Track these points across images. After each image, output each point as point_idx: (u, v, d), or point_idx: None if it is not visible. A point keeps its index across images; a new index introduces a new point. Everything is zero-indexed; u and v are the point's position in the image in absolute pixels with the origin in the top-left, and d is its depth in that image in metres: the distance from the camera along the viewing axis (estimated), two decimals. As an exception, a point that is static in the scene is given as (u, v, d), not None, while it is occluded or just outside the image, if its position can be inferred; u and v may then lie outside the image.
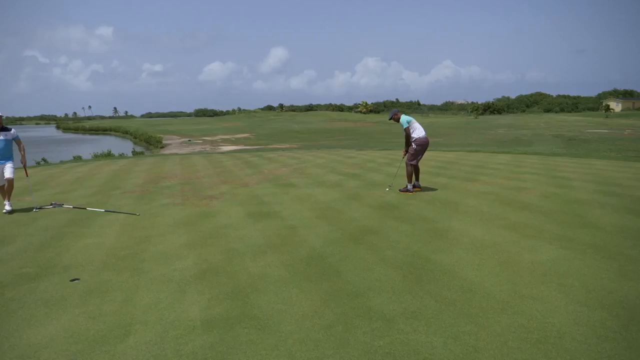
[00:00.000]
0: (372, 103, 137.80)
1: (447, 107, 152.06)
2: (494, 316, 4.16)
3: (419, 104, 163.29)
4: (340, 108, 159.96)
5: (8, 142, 9.42)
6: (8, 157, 9.51)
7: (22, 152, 9.71)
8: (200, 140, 51.65)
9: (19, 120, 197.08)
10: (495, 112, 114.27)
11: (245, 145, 41.87)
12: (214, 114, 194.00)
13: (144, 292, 4.98)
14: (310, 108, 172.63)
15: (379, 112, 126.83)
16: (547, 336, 3.78)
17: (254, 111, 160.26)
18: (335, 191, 10.59)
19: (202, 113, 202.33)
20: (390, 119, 10.35)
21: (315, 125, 75.45)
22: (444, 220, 7.54)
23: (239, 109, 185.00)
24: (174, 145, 46.68)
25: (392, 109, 12.19)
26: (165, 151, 39.22)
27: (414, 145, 9.88)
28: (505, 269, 5.31)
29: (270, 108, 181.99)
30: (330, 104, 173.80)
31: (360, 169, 14.57)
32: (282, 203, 9.44)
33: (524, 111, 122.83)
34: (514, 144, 31.36)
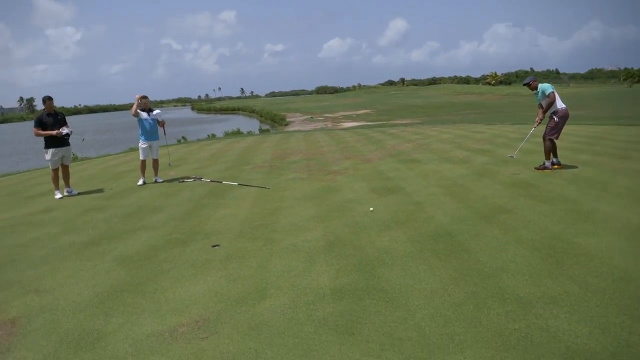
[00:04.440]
0: (502, 74, 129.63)
1: (593, 75, 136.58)
2: (650, 307, 3.73)
3: (557, 72, 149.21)
4: (466, 80, 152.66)
5: (155, 122, 10.46)
6: (156, 136, 10.58)
7: (163, 128, 10.78)
8: (321, 117, 52.80)
9: (159, 103, 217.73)
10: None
11: (366, 121, 41.94)
12: (334, 90, 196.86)
13: (277, 260, 5.28)
14: (433, 81, 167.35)
15: (509, 84, 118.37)
16: None
17: (374, 87, 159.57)
18: (463, 167, 10.19)
19: (322, 90, 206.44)
20: (525, 84, 9.55)
21: (438, 99, 73.07)
22: (590, 202, 6.86)
23: (359, 85, 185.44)
24: (297, 122, 48.32)
25: (525, 79, 11.05)
26: (289, 128, 40.76)
27: (555, 118, 9.04)
28: (663, 256, 4.72)
29: (390, 83, 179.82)
30: (455, 76, 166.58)
31: (489, 145, 13.83)
32: (407, 179, 9.33)
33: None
34: (671, 116, 27.47)
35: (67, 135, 9.58)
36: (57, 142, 9.55)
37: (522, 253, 5.02)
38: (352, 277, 4.69)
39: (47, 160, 9.70)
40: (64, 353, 3.62)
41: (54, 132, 9.36)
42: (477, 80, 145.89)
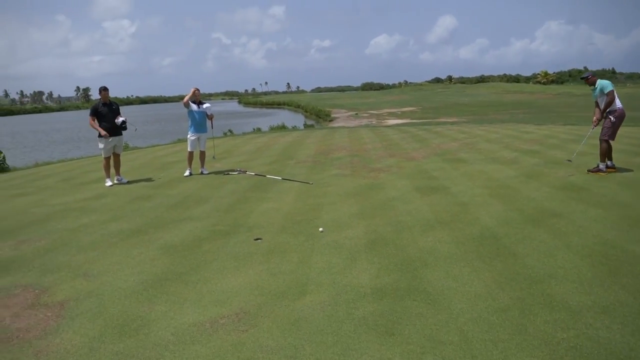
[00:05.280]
0: (553, 72, 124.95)
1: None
2: None
3: (613, 71, 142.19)
4: (516, 79, 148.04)
5: (204, 114, 10.66)
6: (205, 129, 10.79)
7: (211, 121, 10.96)
8: (366, 113, 52.51)
9: (207, 96, 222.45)
10: None
11: (411, 118, 41.39)
12: (380, 87, 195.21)
13: (318, 256, 5.27)
14: (481, 79, 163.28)
15: (562, 83, 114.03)
16: None
17: (421, 84, 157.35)
18: (511, 168, 9.88)
19: (368, 87, 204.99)
20: (583, 78, 9.16)
21: (486, 98, 71.26)
22: (646, 207, 6.51)
23: (405, 82, 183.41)
24: (342, 118, 48.21)
25: (578, 79, 10.68)
26: (334, 124, 40.72)
27: (611, 118, 8.61)
28: None
29: (437, 80, 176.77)
30: (505, 74, 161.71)
31: (539, 146, 13.35)
32: (452, 178, 9.13)
33: None
34: None
35: (123, 123, 9.94)
36: (111, 131, 9.91)
37: (571, 259, 4.82)
38: (393, 276, 4.63)
39: (100, 149, 10.07)
40: (109, 337, 3.74)
41: (102, 133, 9.77)
42: (527, 79, 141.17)
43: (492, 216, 6.44)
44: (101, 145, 9.95)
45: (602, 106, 8.80)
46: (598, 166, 8.84)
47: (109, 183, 10.12)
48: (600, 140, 8.77)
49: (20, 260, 5.60)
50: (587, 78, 9.05)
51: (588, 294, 4.04)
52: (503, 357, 3.22)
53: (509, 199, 7.30)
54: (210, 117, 10.82)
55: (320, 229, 6.14)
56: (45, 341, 3.74)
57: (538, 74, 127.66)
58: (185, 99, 10.54)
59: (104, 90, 9.98)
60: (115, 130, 9.97)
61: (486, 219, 6.31)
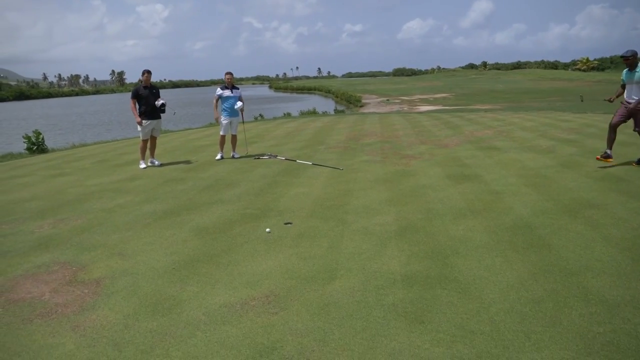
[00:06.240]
0: (594, 59, 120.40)
1: None
2: None
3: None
4: (554, 65, 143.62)
5: (236, 99, 10.70)
6: (237, 113, 10.84)
7: (241, 112, 10.94)
8: (397, 99, 51.92)
9: (238, 81, 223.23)
10: None
11: (444, 105, 40.72)
12: (412, 73, 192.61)
13: (348, 242, 5.26)
14: (517, 66, 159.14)
15: (603, 70, 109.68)
16: None
17: (454, 70, 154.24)
18: (547, 157, 9.61)
19: (400, 72, 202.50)
20: (623, 56, 8.14)
21: (522, 85, 69.45)
22: (690, 200, 6.24)
23: (438, 68, 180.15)
24: (373, 104, 47.83)
25: (620, 65, 9.50)
26: (364, 110, 40.44)
27: None
28: None
29: (471, 66, 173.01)
30: (542, 60, 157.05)
31: (577, 135, 12.93)
32: (485, 167, 8.95)
33: None
34: None
35: (163, 105, 10.12)
36: (150, 114, 10.08)
37: (609, 252, 4.67)
38: (424, 264, 4.58)
39: (139, 131, 10.25)
40: (143, 315, 3.84)
41: (138, 120, 9.97)
42: (566, 66, 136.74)
43: (526, 206, 6.29)
44: (140, 128, 10.12)
45: (633, 95, 8.04)
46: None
47: (142, 165, 10.32)
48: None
49: (59, 238, 5.79)
50: (627, 57, 8.09)
51: (626, 288, 3.91)
52: (535, 349, 3.16)
53: (544, 189, 7.12)
54: (241, 109, 10.80)
55: (267, 230, 5.73)
56: (82, 317, 3.86)
57: (578, 60, 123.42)
58: (214, 106, 10.79)
59: (147, 72, 10.13)
60: (154, 113, 10.14)
61: (520, 209, 6.17)
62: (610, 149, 8.39)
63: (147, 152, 10.49)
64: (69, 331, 3.64)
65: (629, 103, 8.14)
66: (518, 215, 5.90)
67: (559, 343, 3.21)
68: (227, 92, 10.61)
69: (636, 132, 8.30)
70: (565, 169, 8.39)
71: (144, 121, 10.00)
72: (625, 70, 8.36)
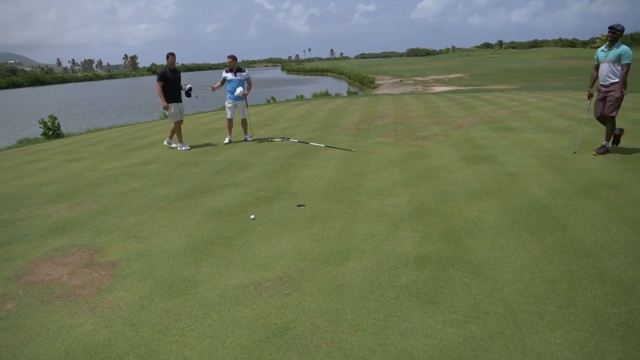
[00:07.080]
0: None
1: None
2: None
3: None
4: (572, 43, 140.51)
5: (242, 82, 10.62)
6: (241, 97, 10.74)
7: (247, 91, 10.81)
8: (411, 80, 51.35)
9: (251, 64, 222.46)
10: None
11: (459, 85, 40.18)
12: (426, 53, 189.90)
13: (361, 223, 5.26)
14: (534, 44, 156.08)
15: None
16: None
17: (469, 49, 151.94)
18: (564, 138, 9.46)
19: (414, 53, 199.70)
20: (612, 28, 7.68)
21: (539, 64, 68.13)
22: None
23: (453, 48, 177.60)
24: (386, 85, 47.36)
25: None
26: (378, 91, 40.08)
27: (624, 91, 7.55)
28: None
29: (487, 45, 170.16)
30: (560, 38, 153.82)
31: (594, 114, 12.68)
32: (500, 147, 8.85)
33: None
34: None
35: (190, 89, 10.21)
36: (176, 97, 10.14)
37: (626, 233, 4.61)
38: (437, 245, 4.57)
39: (170, 114, 10.28)
40: (158, 296, 3.90)
41: (164, 105, 10.03)
42: (585, 44, 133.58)
43: (541, 187, 6.22)
44: (171, 111, 10.15)
45: (609, 74, 7.67)
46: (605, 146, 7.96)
47: (184, 147, 10.38)
48: (609, 116, 7.74)
49: (76, 222, 5.89)
50: (617, 30, 7.60)
51: (643, 269, 3.87)
52: (549, 329, 3.15)
53: (560, 170, 7.03)
54: (249, 83, 10.74)
55: (252, 217, 5.64)
56: (100, 298, 3.93)
57: (597, 37, 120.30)
58: (217, 84, 10.79)
59: (172, 55, 10.17)
60: (179, 96, 10.19)
61: (535, 190, 6.10)
62: (608, 140, 8.07)
63: (175, 136, 10.53)
64: (87, 312, 3.72)
65: (603, 86, 7.75)
66: (533, 197, 5.84)
67: (573, 323, 3.20)
68: (230, 76, 10.57)
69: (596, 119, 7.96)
70: (582, 149, 8.25)
71: (172, 105, 10.05)
72: (600, 49, 7.96)
